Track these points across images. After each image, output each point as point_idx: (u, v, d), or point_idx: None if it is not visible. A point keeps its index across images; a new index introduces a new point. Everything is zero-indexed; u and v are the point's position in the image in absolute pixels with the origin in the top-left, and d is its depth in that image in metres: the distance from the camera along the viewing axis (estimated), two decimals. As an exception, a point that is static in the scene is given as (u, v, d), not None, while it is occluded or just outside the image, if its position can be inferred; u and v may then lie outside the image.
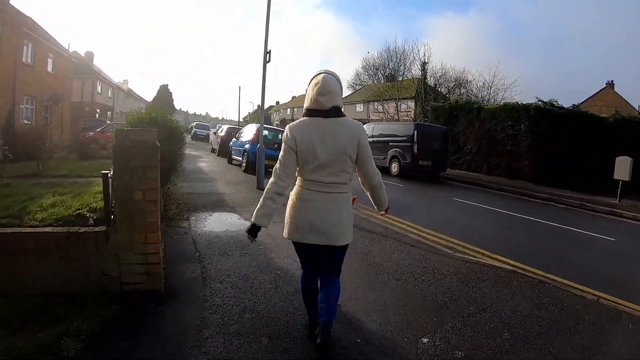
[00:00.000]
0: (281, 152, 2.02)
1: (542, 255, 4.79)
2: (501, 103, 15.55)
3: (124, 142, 2.55)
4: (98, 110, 30.41)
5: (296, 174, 2.06)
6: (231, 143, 12.38)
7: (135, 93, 51.08)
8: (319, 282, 2.19)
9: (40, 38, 16.00)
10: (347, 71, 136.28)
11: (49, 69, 17.53)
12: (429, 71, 22.24)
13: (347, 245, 2.10)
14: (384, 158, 12.93)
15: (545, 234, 6.23)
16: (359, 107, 36.51)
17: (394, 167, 12.60)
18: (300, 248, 2.13)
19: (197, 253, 3.73)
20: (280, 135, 9.80)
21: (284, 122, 52.33)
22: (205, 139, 25.97)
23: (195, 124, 37.56)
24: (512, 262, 4.26)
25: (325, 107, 1.95)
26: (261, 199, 2.02)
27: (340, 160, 1.96)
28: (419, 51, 24.38)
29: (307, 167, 1.99)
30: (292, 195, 2.07)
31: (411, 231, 5.24)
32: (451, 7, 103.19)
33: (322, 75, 1.99)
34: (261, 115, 8.49)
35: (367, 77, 29.23)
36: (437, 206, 8.10)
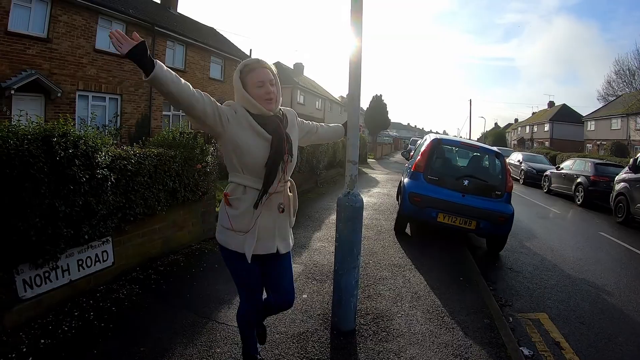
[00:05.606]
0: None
1: None
2: None
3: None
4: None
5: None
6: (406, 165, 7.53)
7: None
8: None
9: (192, 40, 14.46)
10: (595, 82, 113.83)
11: (215, 74, 16.75)
12: None
13: None
14: None
15: None
16: (615, 123, 26.57)
17: None
18: None
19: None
20: (484, 159, 5.35)
21: (521, 142, 43.50)
22: None
23: (411, 139, 32.90)
24: None
25: None
26: None
27: None
28: None
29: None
30: None
31: None
32: None
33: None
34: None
35: (622, 84, 21.66)
36: None
